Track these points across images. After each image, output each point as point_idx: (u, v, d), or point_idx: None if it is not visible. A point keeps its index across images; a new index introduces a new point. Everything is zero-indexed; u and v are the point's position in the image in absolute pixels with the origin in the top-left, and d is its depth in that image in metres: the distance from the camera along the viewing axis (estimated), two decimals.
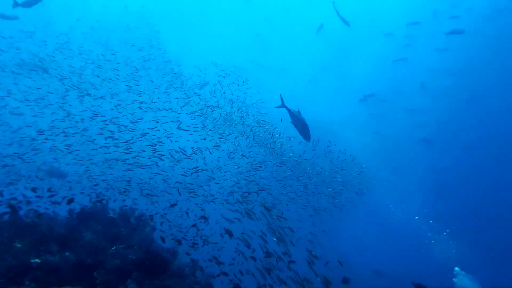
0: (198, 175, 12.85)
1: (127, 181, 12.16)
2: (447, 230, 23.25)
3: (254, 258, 8.99)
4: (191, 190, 10.97)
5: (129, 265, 7.37)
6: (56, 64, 15.38)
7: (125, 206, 10.12)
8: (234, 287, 8.82)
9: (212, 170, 13.71)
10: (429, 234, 24.39)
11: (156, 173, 12.21)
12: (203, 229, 9.95)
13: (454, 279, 17.59)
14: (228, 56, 31.73)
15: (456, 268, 17.87)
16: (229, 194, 12.59)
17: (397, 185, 30.69)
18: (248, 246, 8.82)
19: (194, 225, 8.94)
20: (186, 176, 12.14)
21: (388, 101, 32.40)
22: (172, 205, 10.10)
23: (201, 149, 12.15)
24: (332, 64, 38.30)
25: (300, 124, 10.44)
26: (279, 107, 10.79)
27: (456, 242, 22.07)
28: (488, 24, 30.08)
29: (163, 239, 8.45)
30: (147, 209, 10.68)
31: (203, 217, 9.58)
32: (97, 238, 8.01)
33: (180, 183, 12.05)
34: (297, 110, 10.58)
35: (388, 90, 33.74)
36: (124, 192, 11.51)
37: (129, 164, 12.36)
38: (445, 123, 33.36)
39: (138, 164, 11.72)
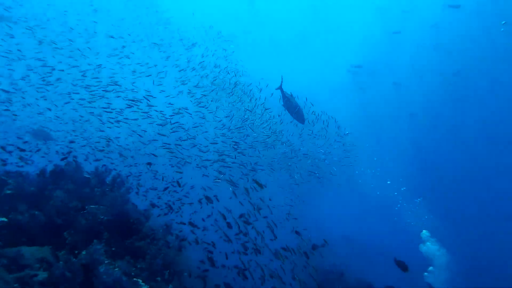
0: (180, 138, 12.67)
1: (106, 139, 11.94)
2: (420, 198, 23.88)
3: (229, 225, 9.06)
4: (168, 148, 10.81)
5: (100, 226, 7.38)
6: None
7: (104, 165, 10.00)
8: (207, 251, 9.00)
9: (191, 133, 13.51)
10: (400, 200, 25.03)
11: (134, 132, 11.99)
12: (177, 192, 9.97)
13: (421, 245, 18.32)
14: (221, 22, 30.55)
15: (424, 232, 18.56)
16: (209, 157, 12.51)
17: (379, 155, 31.14)
18: (225, 220, 8.88)
19: (167, 188, 8.84)
20: (167, 136, 11.99)
21: (376, 73, 32.18)
22: (148, 163, 10.00)
23: (182, 109, 11.93)
24: (321, 32, 37.35)
25: (293, 108, 10.29)
26: (278, 88, 10.62)
27: (427, 210, 22.75)
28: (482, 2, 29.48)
29: (135, 206, 8.44)
30: (121, 170, 10.56)
31: (178, 182, 9.57)
32: (69, 197, 7.95)
33: (157, 140, 11.84)
34: (289, 93, 10.40)
35: (377, 62, 33.29)
36: (102, 151, 11.35)
37: (110, 122, 12.10)
38: (432, 100, 33.48)
39: (117, 123, 11.46)
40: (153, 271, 6.84)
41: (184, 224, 9.15)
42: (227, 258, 8.96)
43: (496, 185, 30.86)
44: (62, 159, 9.15)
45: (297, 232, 7.11)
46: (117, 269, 5.51)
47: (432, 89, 33.11)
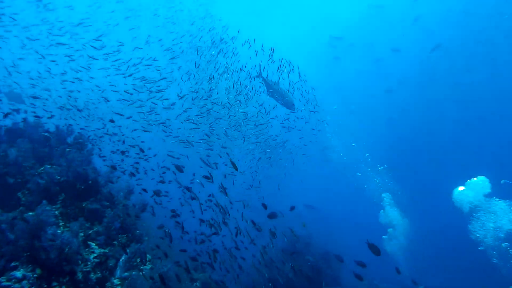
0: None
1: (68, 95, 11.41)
2: (385, 165, 24.35)
3: (188, 189, 8.95)
4: (134, 104, 10.45)
5: (56, 187, 7.12)
6: None
7: (70, 125, 9.56)
8: (172, 215, 8.91)
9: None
10: (363, 166, 25.50)
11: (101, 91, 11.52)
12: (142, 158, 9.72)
13: (381, 211, 18.93)
14: None
15: (384, 194, 19.17)
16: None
17: (351, 127, 31.42)
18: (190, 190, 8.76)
19: (124, 152, 8.55)
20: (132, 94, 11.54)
21: (356, 46, 31.88)
22: (111, 121, 9.63)
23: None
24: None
25: (279, 97, 9.91)
26: (258, 76, 10.10)
27: (390, 179, 23.27)
28: None
29: (95, 168, 8.17)
30: (85, 130, 10.15)
31: (141, 149, 9.30)
32: (24, 156, 7.61)
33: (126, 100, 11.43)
34: (273, 81, 9.96)
35: (359, 35, 32.87)
36: (63, 108, 10.86)
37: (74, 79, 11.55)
38: (409, 77, 33.72)
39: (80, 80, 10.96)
40: (110, 235, 6.70)
41: (146, 191, 8.98)
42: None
43: (458, 160, 31.95)
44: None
45: (264, 205, 7.04)
46: (66, 230, 5.33)
47: (410, 65, 33.21)
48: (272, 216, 6.29)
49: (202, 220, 8.92)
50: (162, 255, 7.76)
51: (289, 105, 10.26)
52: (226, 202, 9.61)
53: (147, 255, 7.13)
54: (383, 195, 19.52)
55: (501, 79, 30.94)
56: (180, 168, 8.49)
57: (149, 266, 6.58)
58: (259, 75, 10.21)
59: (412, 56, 32.43)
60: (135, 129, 11.43)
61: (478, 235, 13.14)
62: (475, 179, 13.43)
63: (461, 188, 13.93)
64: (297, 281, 10.95)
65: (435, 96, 33.81)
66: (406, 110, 35.57)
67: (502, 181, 13.17)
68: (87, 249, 5.52)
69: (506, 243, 12.51)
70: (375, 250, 5.99)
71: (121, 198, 7.85)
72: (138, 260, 6.73)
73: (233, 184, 8.94)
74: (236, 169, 5.27)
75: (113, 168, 8.19)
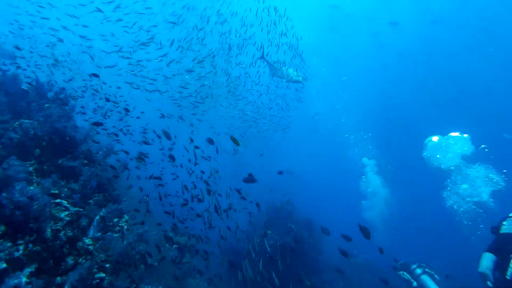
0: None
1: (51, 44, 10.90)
2: (369, 134, 24.24)
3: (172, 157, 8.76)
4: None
5: (31, 142, 6.86)
6: None
7: (55, 82, 9.17)
8: (151, 177, 8.75)
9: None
10: (346, 135, 25.39)
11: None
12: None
13: (362, 177, 19.04)
14: None
15: (366, 162, 19.25)
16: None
17: (344, 98, 31.13)
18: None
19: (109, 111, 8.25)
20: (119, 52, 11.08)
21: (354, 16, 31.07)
22: (94, 75, 9.24)
23: None
24: None
25: (283, 76, 9.64)
26: (260, 58, 9.85)
27: (374, 146, 23.25)
28: None
29: (75, 125, 7.87)
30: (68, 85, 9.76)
31: (126, 109, 8.98)
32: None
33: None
34: (275, 60, 9.73)
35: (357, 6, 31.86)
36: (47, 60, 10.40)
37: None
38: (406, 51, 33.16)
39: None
40: (86, 193, 6.53)
41: (127, 153, 8.74)
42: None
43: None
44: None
45: (250, 176, 6.86)
46: (33, 186, 5.13)
47: (408, 39, 32.52)
48: (248, 180, 6.12)
49: (185, 187, 8.77)
50: (141, 217, 7.66)
51: (295, 82, 10.14)
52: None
53: (125, 216, 7.00)
54: (365, 161, 19.57)
55: (498, 54, 30.40)
56: (167, 135, 8.23)
57: (126, 227, 6.44)
58: (262, 57, 10.09)
59: (410, 30, 31.69)
60: (119, 87, 11.02)
61: (451, 202, 12.87)
62: (456, 134, 12.75)
63: (435, 138, 13.12)
64: (280, 249, 11.03)
65: (430, 73, 33.44)
66: (400, 84, 35.28)
67: (482, 146, 12.54)
68: (58, 207, 5.33)
69: (475, 207, 12.20)
70: (366, 233, 5.95)
71: (100, 157, 7.62)
72: (115, 220, 6.61)
73: (217, 152, 8.72)
74: (238, 144, 4.99)
75: (96, 124, 7.87)
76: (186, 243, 8.84)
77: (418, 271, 9.13)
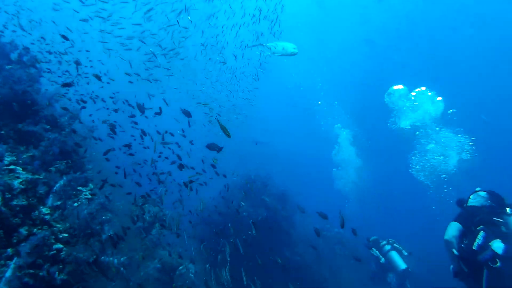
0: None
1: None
2: (336, 102, 24.24)
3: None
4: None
5: None
6: None
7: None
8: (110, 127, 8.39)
9: None
10: (320, 102, 25.36)
11: None
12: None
13: (335, 146, 19.16)
14: None
15: (336, 127, 19.39)
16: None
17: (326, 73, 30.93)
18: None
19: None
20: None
21: None
22: (64, 37, 8.70)
23: None
24: None
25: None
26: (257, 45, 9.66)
27: (342, 109, 23.24)
28: None
29: (39, 89, 7.42)
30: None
31: (96, 76, 8.49)
32: None
33: None
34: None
35: None
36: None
37: None
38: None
39: None
40: (47, 160, 6.22)
41: (93, 122, 8.35)
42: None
43: None
44: None
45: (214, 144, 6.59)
46: None
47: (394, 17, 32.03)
48: (211, 147, 5.90)
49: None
50: (108, 186, 7.38)
51: (290, 53, 9.96)
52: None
53: (90, 184, 6.72)
54: (338, 130, 19.64)
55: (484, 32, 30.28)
56: (141, 108, 7.87)
57: (89, 197, 6.18)
58: (257, 44, 9.95)
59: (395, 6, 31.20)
60: (88, 51, 10.43)
61: (417, 167, 12.77)
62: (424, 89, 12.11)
63: (398, 86, 12.47)
64: (253, 220, 11.01)
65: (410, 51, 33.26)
66: (382, 61, 35.06)
67: (450, 110, 12.23)
68: (11, 174, 5.03)
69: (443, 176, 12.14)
70: (342, 222, 5.96)
71: (64, 122, 7.25)
72: (79, 189, 6.34)
73: (189, 126, 8.44)
74: (229, 136, 4.62)
75: (66, 85, 7.43)
76: (157, 213, 8.68)
77: (387, 247, 9.29)
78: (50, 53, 9.68)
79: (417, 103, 12.05)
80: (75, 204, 5.64)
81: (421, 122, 12.18)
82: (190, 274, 8.72)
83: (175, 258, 8.78)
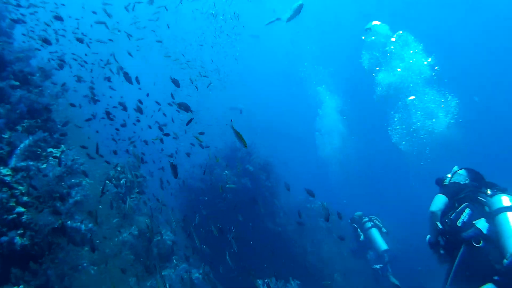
0: None
1: None
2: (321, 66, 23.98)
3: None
4: None
5: None
6: None
7: None
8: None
9: None
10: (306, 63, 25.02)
11: None
12: None
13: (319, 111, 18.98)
14: None
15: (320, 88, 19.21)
16: None
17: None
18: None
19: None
20: None
21: None
22: None
23: None
24: None
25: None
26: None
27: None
28: None
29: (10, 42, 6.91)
30: None
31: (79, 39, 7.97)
32: None
33: None
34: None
35: None
36: None
37: None
38: None
39: None
40: (13, 118, 5.84)
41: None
42: None
43: None
44: None
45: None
46: None
47: None
48: (181, 106, 5.54)
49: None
50: (82, 150, 7.04)
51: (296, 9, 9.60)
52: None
53: (62, 146, 6.38)
54: (322, 94, 19.39)
55: None
56: (128, 77, 7.37)
57: (59, 159, 5.84)
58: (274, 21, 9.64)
59: None
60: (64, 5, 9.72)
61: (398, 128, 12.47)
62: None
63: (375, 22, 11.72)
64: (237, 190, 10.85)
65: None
66: None
67: (436, 67, 11.60)
68: None
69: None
70: (327, 215, 5.81)
71: (36, 80, 6.80)
72: (49, 151, 5.99)
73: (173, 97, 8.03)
74: (245, 146, 4.20)
75: (45, 41, 6.92)
76: (134, 179, 8.40)
77: (368, 224, 9.21)
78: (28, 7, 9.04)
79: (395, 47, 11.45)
80: (42, 166, 5.32)
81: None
82: (168, 242, 8.57)
83: (154, 225, 8.61)
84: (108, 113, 7.93)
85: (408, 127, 12.13)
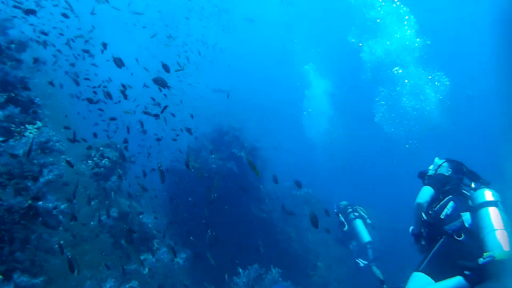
0: None
1: None
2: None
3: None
4: None
5: None
6: None
7: None
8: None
9: None
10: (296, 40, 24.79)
11: None
12: None
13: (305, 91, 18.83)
14: None
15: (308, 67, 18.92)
16: None
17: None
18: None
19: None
20: None
21: None
22: None
23: None
24: None
25: None
26: None
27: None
28: None
29: None
30: None
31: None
32: None
33: None
34: None
35: None
36: None
37: None
38: None
39: None
40: None
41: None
42: None
43: None
44: None
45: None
46: None
47: None
48: (157, 81, 5.25)
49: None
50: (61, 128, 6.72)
51: None
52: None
53: (38, 122, 6.05)
54: (310, 74, 19.21)
55: None
56: (118, 62, 6.98)
57: (34, 132, 5.54)
58: None
59: None
60: None
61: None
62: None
63: None
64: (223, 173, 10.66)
65: None
66: None
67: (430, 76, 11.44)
68: None
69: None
70: (316, 222, 5.67)
71: (12, 51, 6.42)
72: (23, 127, 5.67)
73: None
74: (258, 175, 4.21)
75: (29, 12, 6.51)
76: (116, 159, 8.13)
77: (352, 215, 9.11)
78: None
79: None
80: (12, 143, 5.01)
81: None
82: (149, 224, 8.37)
83: (135, 207, 8.39)
84: (90, 100, 7.61)
85: (394, 103, 11.98)
